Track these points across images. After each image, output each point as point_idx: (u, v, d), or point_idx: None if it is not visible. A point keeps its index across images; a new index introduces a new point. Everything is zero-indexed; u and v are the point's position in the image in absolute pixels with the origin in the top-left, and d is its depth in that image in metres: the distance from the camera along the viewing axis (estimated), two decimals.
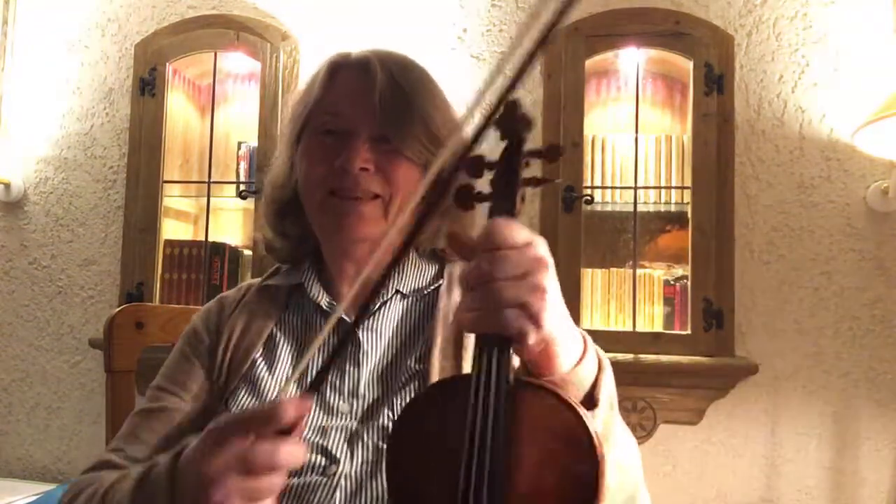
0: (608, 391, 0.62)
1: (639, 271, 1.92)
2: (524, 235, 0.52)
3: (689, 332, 1.83)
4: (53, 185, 2.21)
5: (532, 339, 0.51)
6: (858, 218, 1.86)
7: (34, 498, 1.89)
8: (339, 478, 0.71)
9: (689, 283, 1.85)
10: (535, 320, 0.50)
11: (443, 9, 2.06)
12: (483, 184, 0.60)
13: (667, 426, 1.86)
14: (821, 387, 1.86)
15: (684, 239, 1.90)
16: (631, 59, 2.00)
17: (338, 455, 0.72)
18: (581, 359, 0.59)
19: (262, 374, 0.80)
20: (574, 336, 0.59)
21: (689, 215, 1.87)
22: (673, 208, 1.99)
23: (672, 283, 1.91)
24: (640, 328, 1.88)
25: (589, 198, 1.89)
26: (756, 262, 1.89)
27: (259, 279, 0.90)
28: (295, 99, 0.87)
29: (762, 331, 1.88)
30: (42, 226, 2.21)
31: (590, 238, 1.97)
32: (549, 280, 0.52)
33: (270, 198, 0.88)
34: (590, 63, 1.93)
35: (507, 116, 0.59)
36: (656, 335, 1.85)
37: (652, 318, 1.92)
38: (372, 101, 0.77)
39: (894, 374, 1.84)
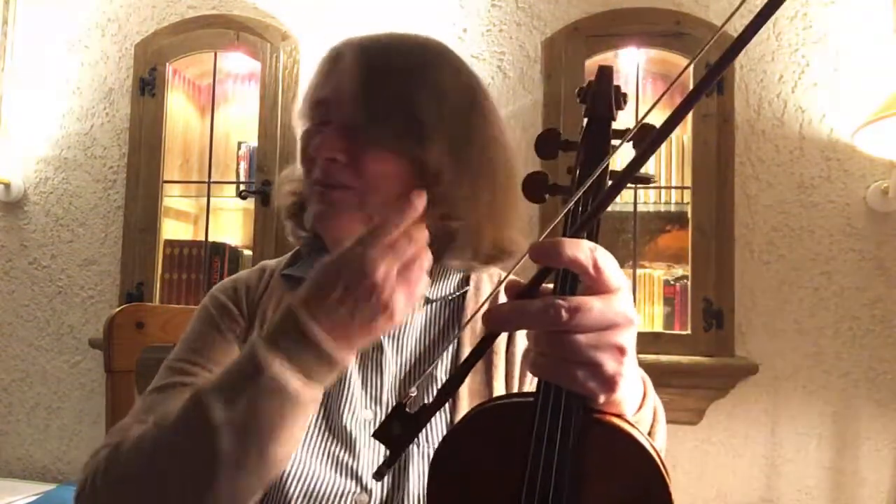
0: (659, 447, 0.57)
1: (639, 271, 1.92)
2: (619, 278, 0.45)
3: (689, 332, 1.83)
4: (53, 185, 2.21)
5: (601, 401, 0.45)
6: (858, 218, 1.86)
7: (34, 498, 1.89)
8: None
9: (689, 283, 1.85)
10: (609, 385, 0.44)
11: (443, 9, 2.06)
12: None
13: (667, 426, 1.86)
14: (821, 387, 1.85)
15: (684, 239, 1.90)
16: (631, 59, 2.00)
17: (367, 484, 0.69)
18: (640, 406, 0.54)
19: None
20: (638, 387, 0.51)
21: (689, 215, 1.87)
22: (673, 208, 1.99)
23: (672, 283, 1.91)
24: (640, 328, 1.86)
25: None
26: (756, 262, 1.89)
27: (274, 261, 0.87)
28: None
29: (762, 331, 1.88)
30: (42, 226, 2.21)
31: None
32: (631, 339, 0.45)
33: (286, 190, 0.86)
34: (590, 63, 1.93)
35: (599, 85, 0.47)
36: (656, 335, 1.85)
37: (652, 318, 1.92)
38: (344, 87, 0.73)
39: (894, 374, 1.84)
